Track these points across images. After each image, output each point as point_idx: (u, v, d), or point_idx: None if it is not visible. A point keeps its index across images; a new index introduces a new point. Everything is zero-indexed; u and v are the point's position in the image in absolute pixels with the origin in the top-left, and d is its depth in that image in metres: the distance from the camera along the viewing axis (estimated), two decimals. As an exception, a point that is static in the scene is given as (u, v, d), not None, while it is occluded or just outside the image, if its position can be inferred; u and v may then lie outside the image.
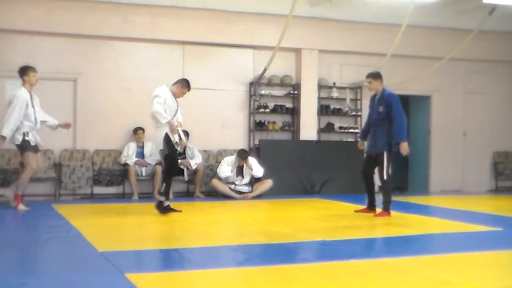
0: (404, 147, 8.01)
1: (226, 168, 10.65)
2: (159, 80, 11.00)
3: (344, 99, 12.27)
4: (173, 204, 8.28)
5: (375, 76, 8.28)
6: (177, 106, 8.21)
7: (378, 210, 8.24)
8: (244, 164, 10.71)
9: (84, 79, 10.85)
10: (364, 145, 8.70)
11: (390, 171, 8.15)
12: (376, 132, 8.21)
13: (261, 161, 11.37)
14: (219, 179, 10.85)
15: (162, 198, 8.02)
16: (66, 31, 10.61)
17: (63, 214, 8.07)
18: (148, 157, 10.79)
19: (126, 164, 10.69)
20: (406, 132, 8.20)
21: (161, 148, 8.01)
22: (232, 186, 10.71)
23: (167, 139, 7.94)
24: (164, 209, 7.99)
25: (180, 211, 8.15)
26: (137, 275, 4.49)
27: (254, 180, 10.95)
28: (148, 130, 10.87)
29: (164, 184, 7.99)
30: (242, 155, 10.65)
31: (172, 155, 8.03)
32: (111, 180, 10.71)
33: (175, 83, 8.30)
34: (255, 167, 10.73)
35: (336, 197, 10.70)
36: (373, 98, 8.44)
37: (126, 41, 11.09)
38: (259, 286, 4.34)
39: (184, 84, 8.26)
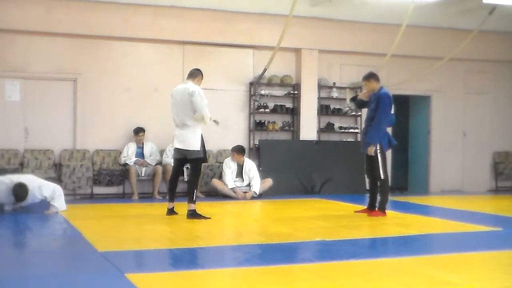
0: (370, 150, 8.03)
1: (229, 178, 10.60)
2: (159, 80, 11.13)
3: (344, 99, 12.26)
4: (174, 204, 8.24)
5: (368, 77, 8.33)
6: None
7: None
8: (244, 165, 10.70)
9: (84, 79, 10.85)
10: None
11: (386, 169, 8.17)
12: (367, 130, 8.22)
13: (261, 161, 11.39)
14: (219, 178, 10.86)
15: (194, 207, 7.66)
16: (66, 31, 10.61)
17: (63, 214, 8.07)
18: (148, 157, 10.79)
19: (126, 164, 10.69)
20: (383, 134, 8.11)
21: (197, 149, 7.67)
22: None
23: (202, 141, 7.78)
24: (199, 216, 7.65)
25: (210, 218, 7.73)
26: (137, 275, 4.49)
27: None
28: (149, 131, 10.89)
29: (195, 191, 7.71)
30: (238, 150, 10.66)
31: (205, 159, 7.93)
32: (111, 180, 10.70)
33: (196, 76, 7.87)
34: (255, 182, 10.64)
35: (336, 197, 10.70)
36: (371, 97, 8.45)
37: (126, 41, 11.09)
38: (259, 286, 4.34)
39: (202, 74, 7.96)
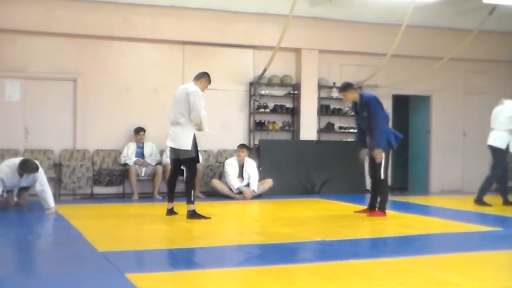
0: (377, 155, 7.95)
1: (234, 179, 10.58)
2: (159, 80, 11.13)
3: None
4: (173, 204, 8.24)
5: (344, 88, 8.22)
6: None
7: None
8: (244, 164, 10.70)
9: (84, 79, 10.85)
10: (366, 153, 8.52)
11: (387, 170, 8.14)
12: (371, 137, 8.13)
13: (261, 161, 11.39)
14: (219, 178, 10.86)
15: (193, 207, 7.65)
16: (66, 31, 10.61)
17: (63, 214, 8.07)
18: (148, 157, 10.79)
19: (126, 164, 10.69)
20: (387, 133, 8.06)
21: (188, 149, 7.63)
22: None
23: (195, 141, 7.74)
24: (199, 216, 7.62)
25: (209, 218, 7.72)
26: (137, 275, 4.49)
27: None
28: (149, 131, 10.89)
29: (192, 191, 7.66)
30: (240, 146, 10.70)
31: (197, 159, 7.93)
32: (111, 180, 10.70)
33: (199, 78, 7.82)
34: (253, 180, 10.63)
35: (336, 197, 10.70)
36: (354, 106, 8.37)
37: (126, 41, 11.09)
38: (259, 286, 4.34)
39: (209, 79, 7.90)
